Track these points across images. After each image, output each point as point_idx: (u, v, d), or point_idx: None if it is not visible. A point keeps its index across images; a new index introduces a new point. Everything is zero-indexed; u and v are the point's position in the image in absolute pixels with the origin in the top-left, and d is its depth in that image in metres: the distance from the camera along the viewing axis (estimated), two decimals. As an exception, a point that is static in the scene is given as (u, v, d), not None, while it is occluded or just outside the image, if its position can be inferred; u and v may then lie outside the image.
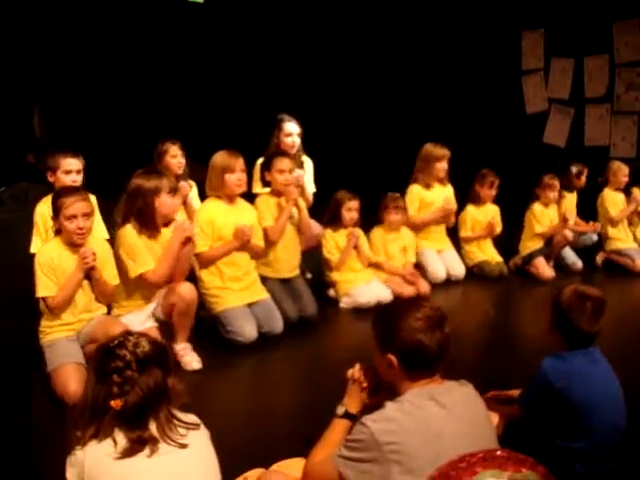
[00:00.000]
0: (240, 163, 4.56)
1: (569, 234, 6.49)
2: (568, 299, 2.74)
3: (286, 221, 4.91)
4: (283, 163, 4.91)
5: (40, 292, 3.67)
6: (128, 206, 4.08)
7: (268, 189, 5.08)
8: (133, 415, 1.98)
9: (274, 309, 4.68)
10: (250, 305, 4.61)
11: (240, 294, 4.60)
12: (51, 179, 4.50)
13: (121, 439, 1.97)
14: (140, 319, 4.09)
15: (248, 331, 4.42)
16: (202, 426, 2.15)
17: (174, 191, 4.12)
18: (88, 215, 3.69)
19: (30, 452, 3.10)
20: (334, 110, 9.30)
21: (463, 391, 2.26)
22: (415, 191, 6.14)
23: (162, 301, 4.14)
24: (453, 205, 6.23)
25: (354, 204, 5.42)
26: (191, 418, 2.14)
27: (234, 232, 4.55)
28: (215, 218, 4.55)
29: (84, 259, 3.67)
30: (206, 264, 4.57)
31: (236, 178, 4.54)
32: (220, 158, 4.58)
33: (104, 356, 2.04)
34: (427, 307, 2.28)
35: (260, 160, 5.50)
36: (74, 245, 3.72)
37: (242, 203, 4.76)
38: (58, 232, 3.76)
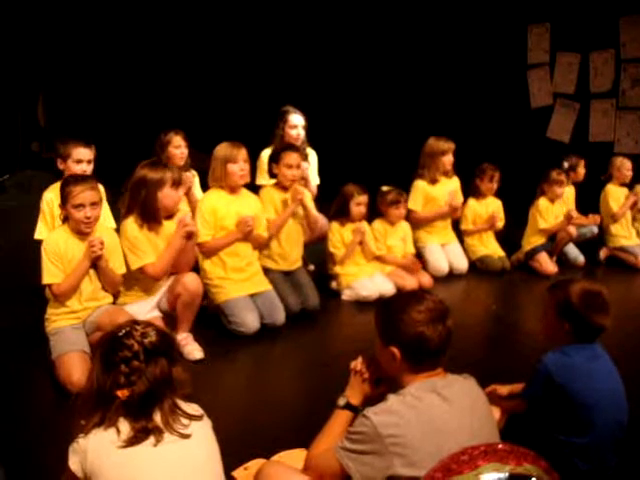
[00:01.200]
0: (243, 153, 4.56)
1: (573, 231, 6.48)
2: (579, 297, 2.73)
3: (287, 219, 4.91)
4: (292, 158, 4.91)
5: (46, 279, 3.68)
6: (132, 197, 4.08)
7: (273, 181, 5.09)
8: (139, 405, 1.99)
9: (276, 300, 4.68)
10: (252, 296, 4.61)
11: (242, 285, 4.61)
12: (61, 166, 4.47)
13: (125, 428, 1.98)
14: (145, 309, 4.11)
15: (250, 322, 4.43)
16: (205, 416, 2.16)
17: (177, 184, 4.10)
18: (96, 204, 3.70)
19: (33, 440, 3.10)
20: (338, 102, 9.27)
21: (465, 384, 2.27)
22: (420, 187, 6.12)
23: (167, 292, 4.15)
24: (459, 201, 6.25)
25: (363, 199, 5.41)
26: (194, 408, 2.15)
27: (237, 223, 4.55)
28: (218, 208, 4.55)
29: (92, 247, 3.68)
30: (208, 254, 4.58)
31: (239, 168, 4.54)
32: (223, 149, 4.59)
33: (111, 345, 2.04)
34: (430, 300, 2.28)
35: (265, 152, 5.50)
36: (81, 233, 3.72)
37: (245, 193, 4.76)
38: (65, 220, 3.76)
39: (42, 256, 3.68)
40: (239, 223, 4.53)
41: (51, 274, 3.67)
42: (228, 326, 4.48)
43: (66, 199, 3.64)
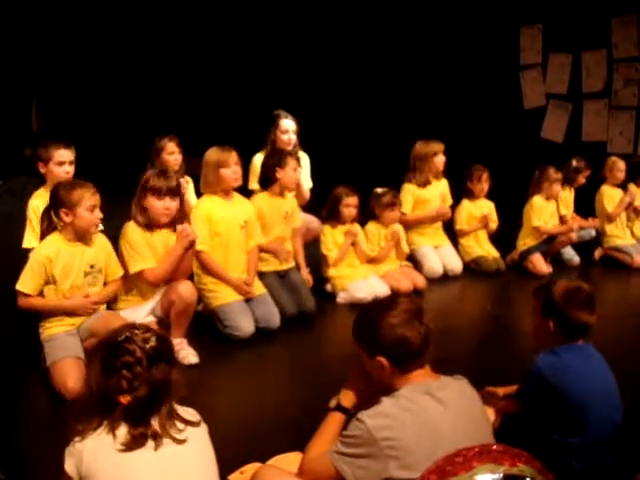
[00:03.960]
0: (234, 157, 4.56)
1: (574, 236, 6.51)
2: (561, 294, 2.76)
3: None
4: (295, 161, 5.01)
5: (19, 285, 3.65)
6: (135, 199, 4.13)
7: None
8: (139, 410, 1.99)
9: (271, 304, 4.68)
10: (247, 300, 4.61)
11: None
12: (42, 170, 4.41)
13: (122, 432, 1.98)
14: (140, 314, 4.08)
15: (245, 326, 4.42)
16: (202, 422, 2.16)
17: (161, 192, 4.05)
18: (100, 206, 3.73)
19: (30, 446, 3.10)
20: (331, 104, 9.28)
21: (458, 386, 2.27)
22: (410, 190, 6.13)
23: (161, 298, 4.14)
24: (448, 205, 6.31)
25: (352, 200, 5.40)
26: (191, 413, 2.15)
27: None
28: (212, 214, 4.54)
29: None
30: (203, 265, 4.55)
31: (231, 172, 4.54)
32: (214, 154, 4.58)
33: (112, 350, 2.03)
34: (402, 302, 2.31)
35: (257, 156, 5.51)
36: (78, 239, 3.72)
37: (238, 197, 4.75)
38: (48, 229, 3.74)
39: (28, 263, 3.67)
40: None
41: (26, 283, 3.65)
42: (223, 330, 4.46)
43: (76, 204, 3.61)
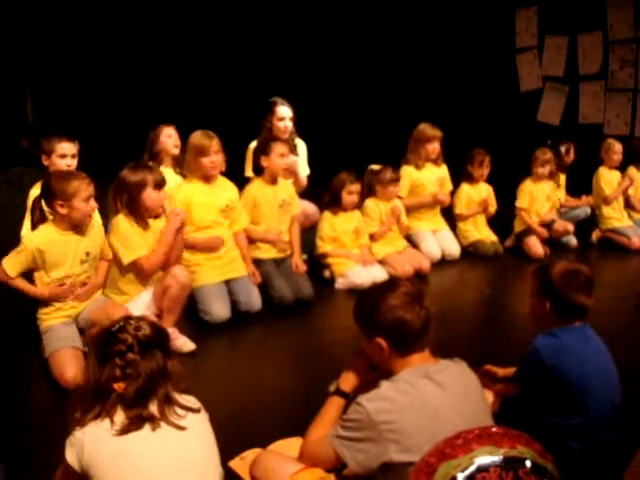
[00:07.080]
0: (214, 145, 4.53)
1: (570, 227, 6.52)
2: (559, 275, 2.76)
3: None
4: (283, 147, 4.96)
5: (4, 263, 3.64)
6: (114, 199, 4.05)
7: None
8: (135, 397, 2.01)
9: (252, 287, 4.68)
10: (229, 282, 4.60)
11: (218, 270, 4.60)
12: (45, 162, 4.46)
13: (120, 417, 2.00)
14: (137, 307, 4.00)
15: (216, 311, 4.41)
16: (202, 409, 2.17)
17: (160, 185, 4.03)
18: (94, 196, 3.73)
19: (30, 437, 3.10)
20: (328, 89, 9.25)
21: (457, 369, 2.28)
22: (407, 173, 6.11)
23: (155, 288, 4.07)
24: (447, 190, 6.28)
25: (356, 187, 5.39)
26: (191, 401, 2.16)
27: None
28: (191, 199, 4.53)
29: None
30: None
31: (209, 161, 4.52)
32: (195, 139, 4.57)
33: (106, 339, 2.06)
34: (403, 285, 2.31)
35: (253, 143, 5.49)
36: (72, 228, 3.70)
37: (222, 181, 4.74)
38: (39, 219, 3.73)
39: (18, 246, 3.65)
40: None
41: (9, 263, 3.63)
42: (198, 314, 4.44)
43: (72, 195, 3.59)
